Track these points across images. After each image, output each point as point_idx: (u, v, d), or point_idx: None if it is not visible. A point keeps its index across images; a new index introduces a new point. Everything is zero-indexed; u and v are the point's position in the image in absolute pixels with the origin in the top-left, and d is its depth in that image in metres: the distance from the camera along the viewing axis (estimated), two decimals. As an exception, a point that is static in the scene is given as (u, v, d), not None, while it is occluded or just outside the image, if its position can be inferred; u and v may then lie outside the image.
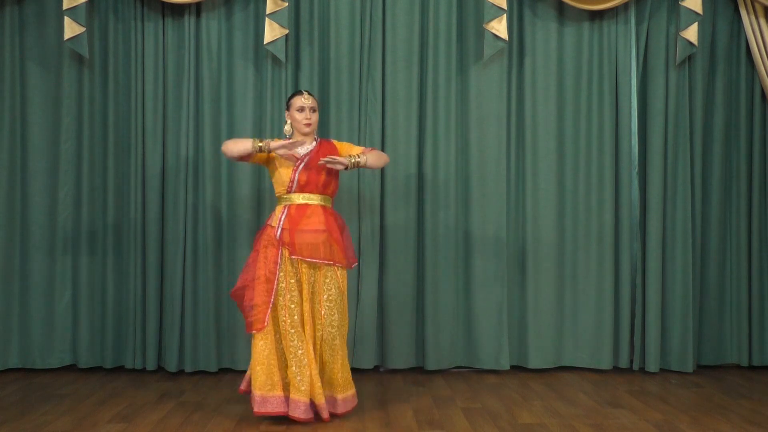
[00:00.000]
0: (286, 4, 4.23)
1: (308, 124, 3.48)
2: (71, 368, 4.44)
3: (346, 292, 3.51)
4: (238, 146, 3.42)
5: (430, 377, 4.36)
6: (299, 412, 3.31)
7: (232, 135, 4.38)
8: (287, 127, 3.51)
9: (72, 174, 4.41)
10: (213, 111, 4.39)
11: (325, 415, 3.37)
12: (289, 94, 4.36)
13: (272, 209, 4.34)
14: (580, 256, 4.56)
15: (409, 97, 4.46)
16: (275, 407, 3.35)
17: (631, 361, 4.59)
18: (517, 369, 4.55)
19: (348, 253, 3.51)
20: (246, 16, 4.44)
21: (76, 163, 4.42)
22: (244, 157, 3.46)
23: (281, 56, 4.26)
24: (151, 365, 4.33)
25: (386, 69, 4.46)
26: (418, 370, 4.49)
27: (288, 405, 3.35)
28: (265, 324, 3.38)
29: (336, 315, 3.42)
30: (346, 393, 3.48)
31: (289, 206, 3.46)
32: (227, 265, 4.40)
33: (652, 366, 4.46)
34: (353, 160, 3.43)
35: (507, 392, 4.03)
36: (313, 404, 3.37)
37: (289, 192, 3.47)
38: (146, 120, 4.37)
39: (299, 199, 3.45)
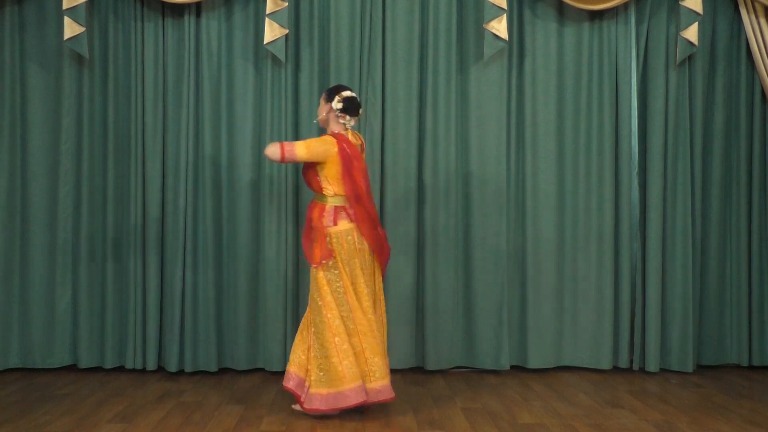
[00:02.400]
0: (286, 4, 4.22)
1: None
2: (71, 368, 4.43)
3: (320, 290, 3.48)
4: None
5: (430, 377, 4.36)
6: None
7: (232, 135, 4.39)
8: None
9: (72, 174, 4.41)
10: (213, 111, 4.39)
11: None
12: (289, 94, 4.39)
13: (271, 210, 4.37)
14: (580, 256, 4.56)
15: (409, 98, 4.46)
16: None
17: (631, 361, 4.58)
18: (517, 369, 4.55)
19: (311, 251, 3.52)
20: (246, 16, 4.43)
21: (76, 163, 4.41)
22: None
23: (281, 56, 4.26)
24: (151, 365, 4.33)
25: (386, 69, 4.46)
26: (418, 370, 4.48)
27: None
28: None
29: (308, 310, 3.58)
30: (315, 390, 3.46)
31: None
32: (227, 264, 4.40)
33: (652, 366, 4.46)
34: None
35: (507, 392, 4.03)
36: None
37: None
38: (146, 120, 4.37)
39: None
